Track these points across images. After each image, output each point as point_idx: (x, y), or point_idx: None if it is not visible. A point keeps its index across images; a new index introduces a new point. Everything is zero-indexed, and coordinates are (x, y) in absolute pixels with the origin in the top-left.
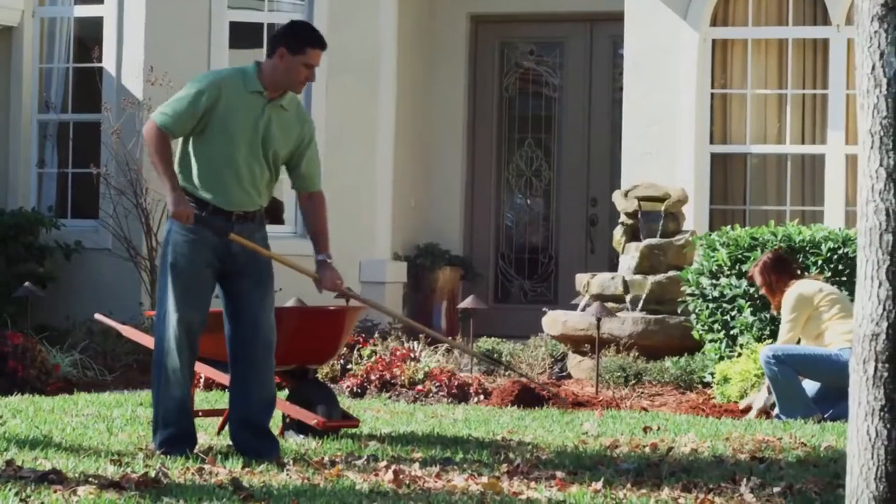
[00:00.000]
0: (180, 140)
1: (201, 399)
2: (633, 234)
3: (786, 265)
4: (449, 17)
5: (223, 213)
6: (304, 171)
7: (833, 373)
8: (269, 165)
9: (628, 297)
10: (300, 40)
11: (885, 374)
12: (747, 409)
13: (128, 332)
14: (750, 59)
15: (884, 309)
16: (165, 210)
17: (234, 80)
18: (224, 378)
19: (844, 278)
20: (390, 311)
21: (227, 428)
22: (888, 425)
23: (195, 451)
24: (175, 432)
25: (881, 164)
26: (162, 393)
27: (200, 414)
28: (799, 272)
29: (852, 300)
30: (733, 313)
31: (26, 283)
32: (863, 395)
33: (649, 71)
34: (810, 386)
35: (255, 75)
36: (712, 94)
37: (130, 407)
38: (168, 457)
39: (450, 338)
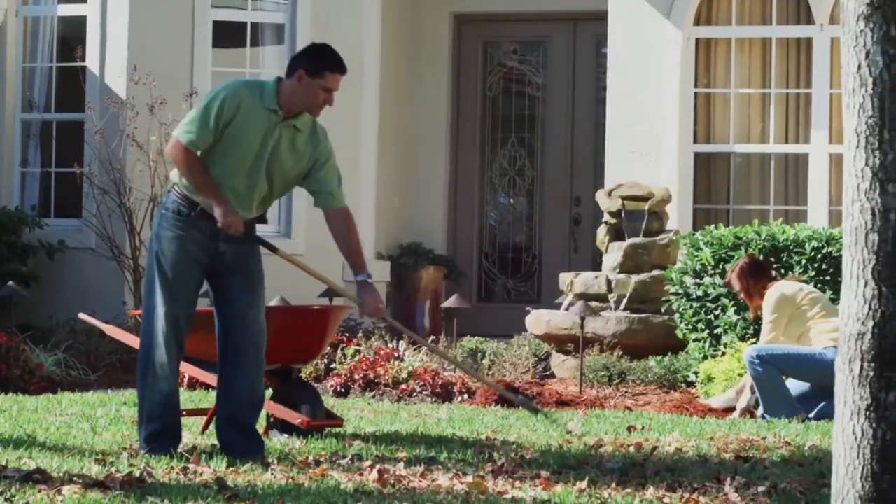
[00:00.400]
0: None
1: (185, 398)
2: (616, 234)
3: (762, 269)
4: (432, 16)
5: (211, 219)
6: (318, 188)
7: (817, 372)
8: (271, 184)
9: (612, 297)
10: (319, 64)
11: (871, 374)
12: (718, 408)
13: (111, 331)
14: (733, 58)
15: (870, 308)
16: (149, 209)
17: (253, 92)
18: (209, 378)
19: (828, 278)
20: (440, 350)
21: (212, 426)
22: (874, 424)
23: (180, 449)
24: (160, 427)
25: (867, 164)
26: (148, 388)
27: (185, 413)
28: (782, 273)
29: (835, 299)
30: (717, 312)
31: (9, 283)
32: (848, 394)
33: (633, 70)
34: (794, 386)
35: (274, 92)
36: (696, 94)
37: (114, 406)
38: (153, 455)
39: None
